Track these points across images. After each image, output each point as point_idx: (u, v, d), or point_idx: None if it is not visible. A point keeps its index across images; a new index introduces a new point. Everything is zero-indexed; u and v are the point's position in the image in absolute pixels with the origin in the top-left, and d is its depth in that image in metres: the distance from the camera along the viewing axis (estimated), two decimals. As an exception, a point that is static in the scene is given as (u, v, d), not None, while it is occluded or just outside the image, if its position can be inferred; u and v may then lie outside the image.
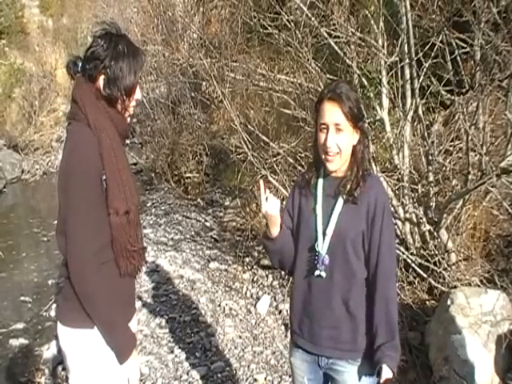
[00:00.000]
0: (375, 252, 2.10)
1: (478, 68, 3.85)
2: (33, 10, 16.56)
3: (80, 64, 2.09)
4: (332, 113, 2.08)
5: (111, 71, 2.02)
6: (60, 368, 4.10)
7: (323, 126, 2.11)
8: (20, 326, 5.04)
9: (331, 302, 2.17)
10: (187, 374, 3.95)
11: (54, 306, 5.12)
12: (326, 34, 4.52)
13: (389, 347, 2.06)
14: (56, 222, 2.11)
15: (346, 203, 2.13)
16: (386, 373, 2.03)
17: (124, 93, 2.06)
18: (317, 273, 2.16)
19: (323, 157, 2.13)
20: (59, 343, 2.20)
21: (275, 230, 2.24)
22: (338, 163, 2.12)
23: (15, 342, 4.71)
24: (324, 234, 2.16)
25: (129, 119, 2.19)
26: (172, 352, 4.22)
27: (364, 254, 2.13)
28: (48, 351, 4.42)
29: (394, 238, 2.10)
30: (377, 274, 2.10)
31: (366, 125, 2.21)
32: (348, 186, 2.12)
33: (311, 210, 2.21)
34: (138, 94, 2.14)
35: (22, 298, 5.59)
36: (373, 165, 4.17)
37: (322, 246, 2.16)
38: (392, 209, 4.26)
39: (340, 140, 2.08)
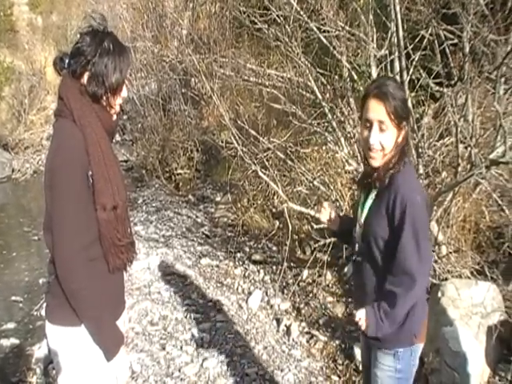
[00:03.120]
0: (397, 249, 2.11)
1: (466, 60, 3.84)
2: (22, 8, 16.44)
3: (66, 60, 2.07)
4: (376, 111, 2.10)
5: (95, 68, 2.01)
6: (51, 367, 4.07)
7: (367, 123, 2.14)
8: (11, 325, 5.02)
9: (363, 286, 2.31)
10: (179, 370, 3.94)
11: (44, 304, 5.09)
12: (315, 29, 4.51)
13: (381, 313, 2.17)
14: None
15: (376, 197, 2.21)
16: (360, 314, 2.20)
17: (109, 90, 2.05)
18: (354, 257, 2.35)
19: (367, 153, 2.19)
20: (48, 342, 2.19)
21: (333, 226, 2.52)
22: (381, 160, 2.15)
23: (6, 342, 4.68)
24: (359, 223, 2.30)
25: (115, 116, 2.17)
26: (164, 349, 4.20)
27: (387, 247, 2.18)
28: (39, 350, 4.40)
29: (420, 235, 2.08)
30: (393, 269, 2.15)
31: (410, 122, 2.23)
32: (373, 180, 2.19)
33: (358, 199, 2.38)
34: (124, 92, 2.12)
35: (13, 298, 5.56)
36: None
37: (358, 234, 2.32)
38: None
39: (383, 138, 2.11)
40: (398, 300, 2.12)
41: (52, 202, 1.98)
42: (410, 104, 2.15)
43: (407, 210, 2.05)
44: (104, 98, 2.06)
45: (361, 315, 2.19)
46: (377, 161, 2.15)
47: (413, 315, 2.22)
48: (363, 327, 2.19)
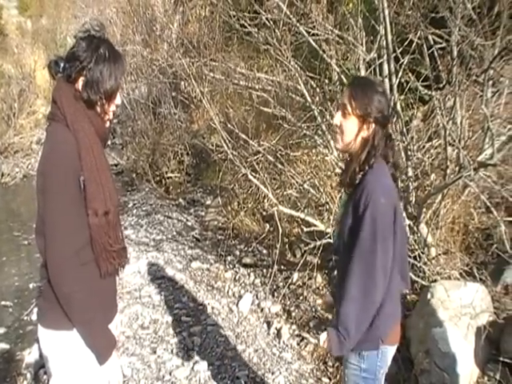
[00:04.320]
0: (354, 246, 2.13)
1: (454, 63, 3.88)
2: (11, 11, 16.41)
3: (61, 64, 2.07)
4: (344, 94, 2.24)
5: (90, 74, 2.01)
6: (42, 372, 4.05)
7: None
8: (1, 330, 4.98)
9: (338, 283, 2.37)
10: (170, 374, 3.94)
11: (36, 309, 5.06)
12: (304, 32, 4.53)
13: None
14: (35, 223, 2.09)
15: (348, 195, 2.28)
16: (323, 337, 2.23)
17: (103, 97, 2.05)
18: (333, 256, 2.37)
19: None
20: (40, 346, 2.19)
21: None
22: (340, 144, 2.27)
23: (-4, 347, 4.66)
24: (336, 222, 2.40)
25: (108, 123, 2.17)
26: (154, 353, 4.20)
27: (349, 242, 2.19)
28: (30, 355, 4.37)
29: (378, 237, 2.08)
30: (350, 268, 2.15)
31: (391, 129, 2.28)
32: (344, 186, 2.29)
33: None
34: (118, 99, 2.13)
35: (3, 303, 5.52)
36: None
37: (335, 233, 2.40)
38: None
39: (344, 123, 2.23)
40: (354, 304, 2.12)
41: (44, 206, 1.98)
42: (381, 108, 2.17)
43: (368, 209, 2.07)
44: (98, 104, 2.06)
45: (323, 338, 2.22)
46: (338, 144, 2.30)
47: (378, 319, 2.19)
48: (327, 349, 2.22)
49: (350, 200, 2.21)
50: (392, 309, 2.25)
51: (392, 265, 2.16)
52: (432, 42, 4.09)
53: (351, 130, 2.21)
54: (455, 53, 3.91)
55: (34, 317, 4.97)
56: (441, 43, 4.10)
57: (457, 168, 3.77)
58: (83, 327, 2.03)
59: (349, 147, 2.25)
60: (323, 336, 2.23)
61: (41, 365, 4.07)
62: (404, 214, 4.17)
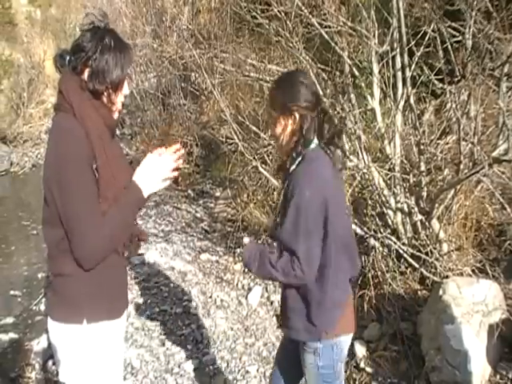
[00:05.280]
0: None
1: (469, 57, 3.83)
2: (21, 1, 16.35)
3: (67, 57, 2.06)
4: None
5: (96, 64, 1.99)
6: (50, 362, 4.05)
7: None
8: (10, 320, 4.99)
9: None
10: (179, 366, 3.93)
11: (44, 299, 5.07)
12: (316, 24, 4.48)
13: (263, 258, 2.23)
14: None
15: (283, 186, 2.33)
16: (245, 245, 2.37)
17: (110, 87, 2.03)
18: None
19: None
20: (49, 337, 2.18)
21: None
22: (280, 150, 2.37)
23: (5, 337, 4.65)
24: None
25: (117, 114, 2.15)
26: (163, 345, 4.20)
27: None
28: (38, 345, 4.37)
29: (292, 226, 2.12)
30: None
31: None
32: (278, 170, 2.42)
33: None
34: (125, 89, 2.11)
35: (12, 292, 5.53)
36: (364, 154, 4.17)
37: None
38: (383, 198, 4.25)
39: (277, 129, 2.27)
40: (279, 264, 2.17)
41: (62, 196, 1.94)
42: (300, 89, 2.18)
43: (293, 199, 2.11)
44: (105, 94, 2.04)
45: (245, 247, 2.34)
46: (279, 152, 2.43)
47: (318, 311, 2.22)
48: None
49: (286, 190, 2.24)
50: (339, 297, 2.26)
51: (335, 254, 2.18)
52: (447, 35, 4.03)
53: (281, 130, 2.24)
54: (470, 46, 3.86)
55: (43, 306, 4.97)
56: (456, 36, 4.05)
57: (470, 163, 3.73)
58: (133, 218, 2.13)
59: (284, 147, 2.28)
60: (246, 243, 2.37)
61: (49, 355, 4.07)
62: (416, 209, 4.14)
